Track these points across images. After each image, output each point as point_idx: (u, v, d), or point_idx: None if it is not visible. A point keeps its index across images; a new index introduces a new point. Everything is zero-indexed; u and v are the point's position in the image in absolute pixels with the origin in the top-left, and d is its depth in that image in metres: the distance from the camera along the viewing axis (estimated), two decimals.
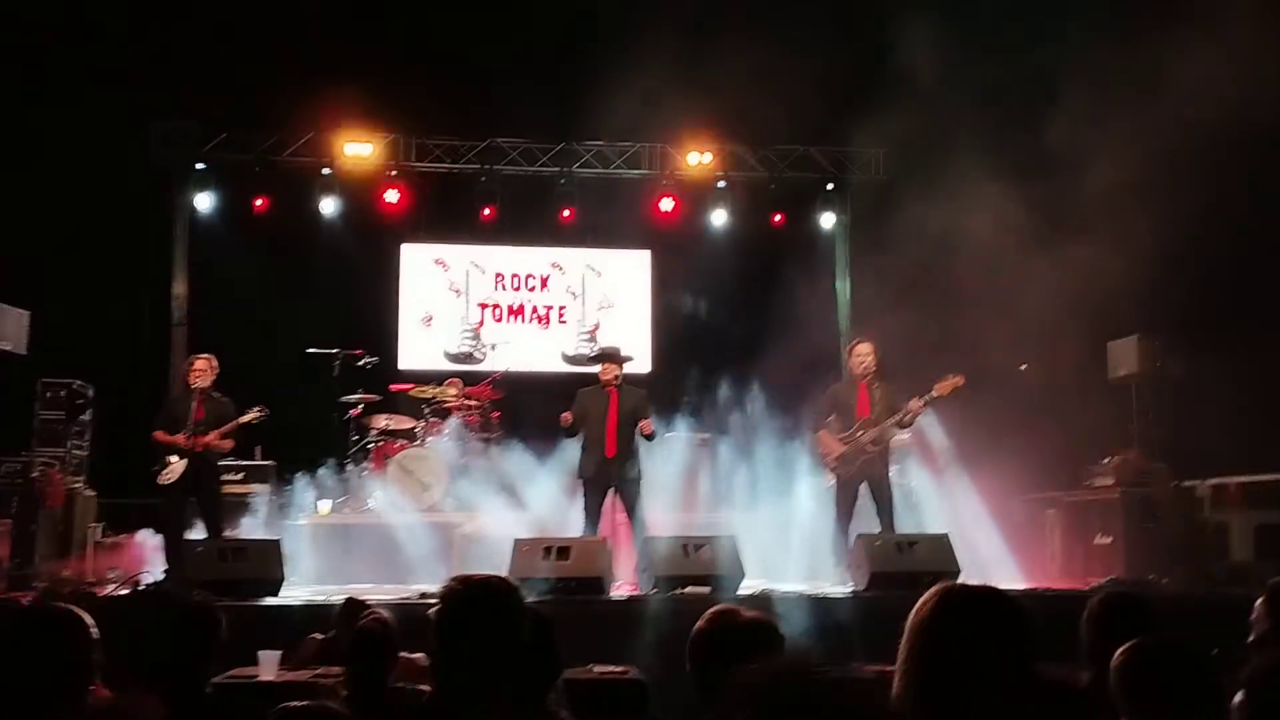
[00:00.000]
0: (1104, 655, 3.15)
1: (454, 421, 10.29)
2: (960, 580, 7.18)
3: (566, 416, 8.38)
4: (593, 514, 8.27)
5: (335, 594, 7.48)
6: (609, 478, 8.31)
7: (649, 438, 8.42)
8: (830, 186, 12.64)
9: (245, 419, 8.34)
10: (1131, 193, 8.80)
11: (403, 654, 4.19)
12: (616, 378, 8.43)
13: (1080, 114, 8.91)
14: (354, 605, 5.69)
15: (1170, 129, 8.14)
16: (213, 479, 8.49)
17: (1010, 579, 8.13)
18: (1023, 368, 10.12)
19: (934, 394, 8.20)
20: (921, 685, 1.81)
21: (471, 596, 2.56)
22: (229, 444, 8.44)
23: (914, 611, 1.89)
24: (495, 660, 2.49)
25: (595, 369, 8.82)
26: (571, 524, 8.84)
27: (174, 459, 8.21)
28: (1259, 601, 3.42)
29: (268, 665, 4.85)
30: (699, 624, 2.78)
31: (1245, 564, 8.22)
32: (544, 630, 3.07)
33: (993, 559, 8.37)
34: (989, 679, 1.78)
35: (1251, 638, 3.38)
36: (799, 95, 10.57)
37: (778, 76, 10.23)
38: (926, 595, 1.90)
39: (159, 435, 8.30)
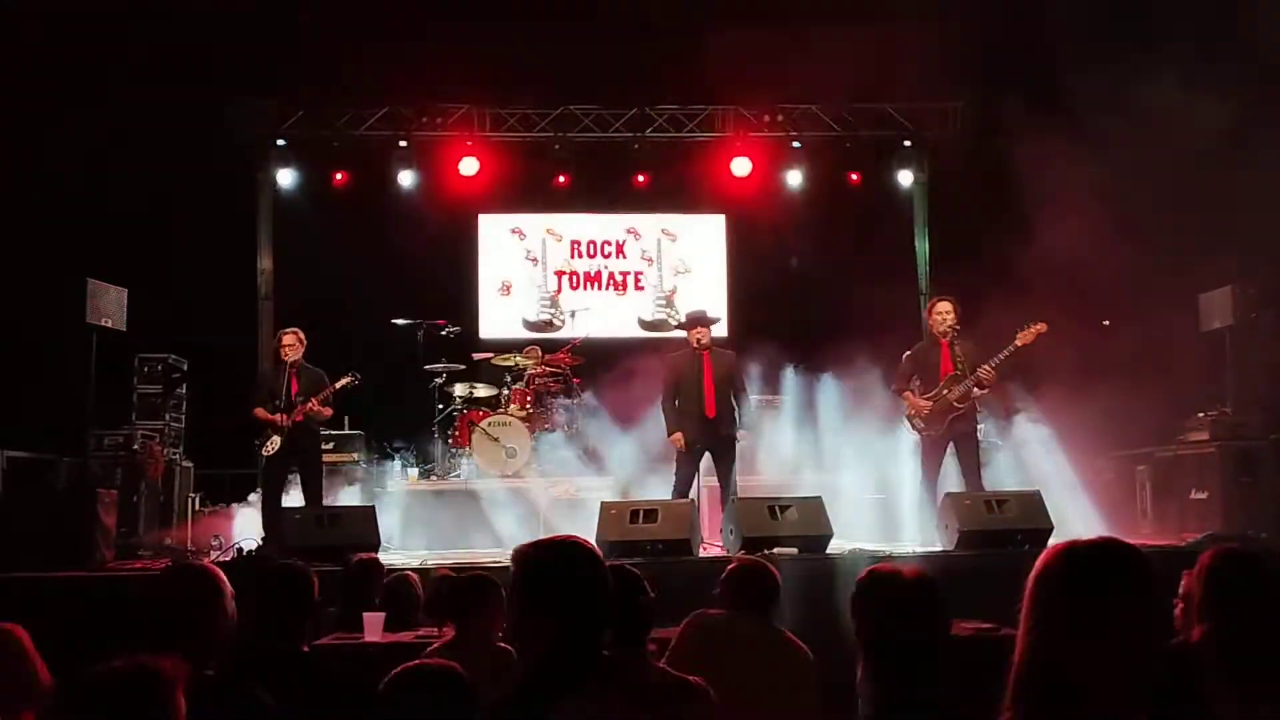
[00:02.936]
0: (1217, 610, 3.11)
1: (539, 389, 10.43)
2: (1052, 538, 7.18)
3: (678, 438, 8.44)
4: (685, 476, 8.33)
5: (429, 559, 7.67)
6: (707, 438, 8.36)
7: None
8: (907, 143, 12.43)
9: (340, 385, 8.52)
10: (1222, 140, 8.58)
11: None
12: (705, 340, 8.47)
13: (1168, 66, 8.65)
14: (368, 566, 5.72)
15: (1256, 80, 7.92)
16: (314, 447, 8.71)
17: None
18: (1105, 324, 9.94)
19: (1018, 343, 8.14)
20: (1043, 647, 1.80)
21: (547, 557, 2.58)
22: (328, 411, 8.62)
23: (1036, 570, 1.87)
24: (577, 616, 2.51)
25: (671, 335, 8.87)
26: (653, 487, 8.92)
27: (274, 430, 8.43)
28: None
29: (372, 627, 4.97)
30: (859, 580, 2.84)
31: None
32: (633, 585, 3.19)
33: (1083, 516, 8.26)
34: (1123, 630, 1.77)
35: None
36: (872, 51, 10.41)
37: (848, 33, 10.11)
38: (1047, 552, 1.88)
39: (258, 412, 8.51)
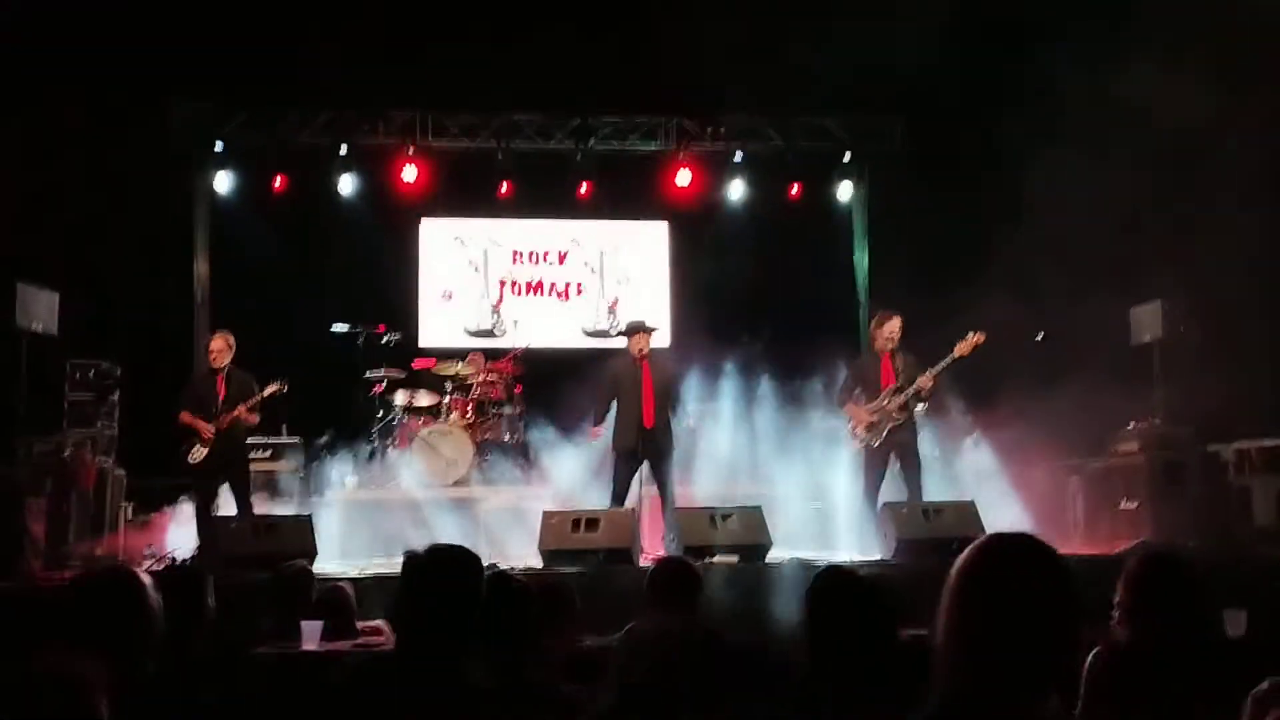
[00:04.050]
0: (1143, 614, 3.19)
1: (481, 398, 10.39)
2: None
3: (597, 431, 8.64)
4: (622, 486, 8.34)
5: (366, 567, 7.60)
6: (646, 449, 8.38)
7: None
8: (847, 157, 12.58)
9: (266, 393, 8.45)
10: (1153, 158, 8.79)
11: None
12: (645, 349, 8.50)
13: (1109, 86, 8.85)
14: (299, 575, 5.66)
15: (1191, 94, 8.13)
16: (241, 455, 8.59)
17: None
18: (1039, 337, 10.12)
19: (955, 353, 8.25)
20: (965, 637, 1.86)
21: (432, 563, 2.71)
22: (255, 418, 8.54)
23: (958, 563, 1.93)
24: (453, 622, 2.64)
25: (615, 344, 8.90)
26: (595, 496, 8.91)
27: (200, 440, 8.31)
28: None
29: (310, 636, 4.91)
30: (814, 584, 2.87)
31: (1270, 528, 8.23)
32: (520, 599, 3.18)
33: (1016, 526, 8.38)
34: (1037, 630, 1.83)
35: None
36: (815, 64, 10.53)
37: (790, 45, 10.22)
38: (969, 548, 1.94)
39: (184, 417, 8.38)
